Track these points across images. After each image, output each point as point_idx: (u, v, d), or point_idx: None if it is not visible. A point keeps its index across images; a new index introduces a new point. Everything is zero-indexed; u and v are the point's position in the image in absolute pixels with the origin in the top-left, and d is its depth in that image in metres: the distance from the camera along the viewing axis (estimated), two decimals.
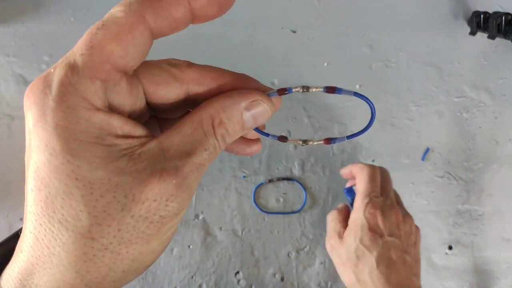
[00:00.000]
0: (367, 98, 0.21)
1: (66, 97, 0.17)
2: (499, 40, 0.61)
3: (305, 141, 0.24)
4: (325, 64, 0.62)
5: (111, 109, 0.19)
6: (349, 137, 0.23)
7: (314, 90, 0.21)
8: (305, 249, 0.57)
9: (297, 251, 0.57)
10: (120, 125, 0.18)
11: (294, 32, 0.62)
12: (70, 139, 0.17)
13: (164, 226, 0.19)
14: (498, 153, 0.61)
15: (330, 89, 0.21)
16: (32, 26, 0.59)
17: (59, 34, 0.59)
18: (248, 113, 0.21)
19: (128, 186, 0.17)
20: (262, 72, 0.60)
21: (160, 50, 0.56)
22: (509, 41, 0.59)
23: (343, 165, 0.59)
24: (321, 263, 0.57)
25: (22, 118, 0.57)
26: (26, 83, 0.58)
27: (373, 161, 0.60)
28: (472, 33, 0.62)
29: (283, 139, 0.23)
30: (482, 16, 0.60)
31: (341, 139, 0.23)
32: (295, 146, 0.59)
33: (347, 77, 0.61)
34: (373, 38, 0.62)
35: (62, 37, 0.59)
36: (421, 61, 0.62)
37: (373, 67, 0.62)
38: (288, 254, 0.57)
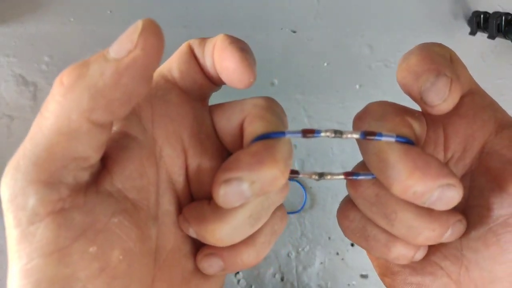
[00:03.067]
0: (409, 140, 0.17)
1: None
2: (499, 40, 0.61)
3: (321, 175, 0.19)
4: (325, 64, 0.61)
5: None
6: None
7: (349, 136, 0.17)
8: (305, 249, 0.57)
9: (297, 251, 0.57)
10: None
11: (294, 32, 0.62)
12: None
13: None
14: None
15: (370, 134, 0.17)
16: (31, 26, 0.59)
17: (58, 34, 0.59)
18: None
19: None
20: (261, 72, 0.60)
21: None
22: (509, 41, 0.59)
23: (343, 165, 0.59)
24: (321, 263, 0.57)
25: (21, 118, 0.57)
26: (26, 83, 0.58)
27: None
28: (472, 33, 0.62)
29: (293, 173, 0.18)
30: (482, 16, 0.60)
31: (367, 175, 0.18)
32: (295, 146, 0.59)
33: (347, 77, 0.61)
34: (373, 38, 0.62)
35: (61, 37, 0.59)
36: None
37: (373, 67, 0.62)
38: (288, 254, 0.57)
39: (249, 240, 0.17)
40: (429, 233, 0.17)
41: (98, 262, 0.14)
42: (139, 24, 0.14)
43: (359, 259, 0.57)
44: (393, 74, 0.61)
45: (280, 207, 0.19)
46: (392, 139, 0.16)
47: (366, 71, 0.61)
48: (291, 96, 0.60)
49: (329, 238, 0.57)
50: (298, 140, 0.60)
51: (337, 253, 0.57)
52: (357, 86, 0.61)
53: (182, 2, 0.62)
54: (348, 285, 0.56)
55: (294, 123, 0.60)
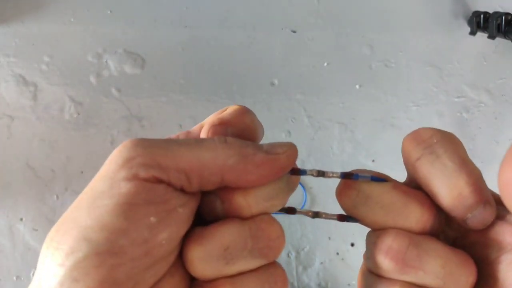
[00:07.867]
0: (383, 179, 0.20)
1: None
2: (499, 40, 0.61)
3: (316, 214, 0.20)
4: (325, 64, 0.61)
5: None
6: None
7: (330, 175, 0.19)
8: (305, 249, 0.57)
9: (297, 251, 0.57)
10: None
11: (294, 32, 0.62)
12: None
13: None
14: (498, 153, 0.61)
15: (347, 175, 0.19)
16: (32, 26, 0.59)
17: (59, 34, 0.59)
18: None
19: None
20: (262, 72, 0.60)
21: (159, 54, 0.55)
22: (509, 41, 0.59)
23: (343, 165, 0.59)
24: (321, 263, 0.57)
25: (21, 118, 0.57)
26: (26, 83, 0.58)
27: (373, 161, 0.60)
28: (472, 33, 0.62)
29: (291, 210, 0.20)
30: (482, 16, 0.60)
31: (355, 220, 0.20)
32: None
33: (347, 77, 0.61)
34: (373, 38, 0.62)
35: (62, 37, 0.59)
36: (421, 61, 0.62)
37: (373, 67, 0.62)
38: (288, 255, 0.57)
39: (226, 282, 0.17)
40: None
41: (148, 233, 0.16)
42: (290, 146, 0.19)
43: (359, 259, 0.57)
44: (393, 74, 0.61)
45: (275, 266, 0.19)
46: (368, 179, 0.19)
47: (366, 71, 0.61)
48: (291, 96, 0.60)
49: (329, 238, 0.57)
50: (298, 140, 0.60)
51: (337, 253, 0.57)
52: (357, 86, 0.61)
53: (182, 2, 0.62)
54: (348, 285, 0.56)
55: (294, 123, 0.60)
